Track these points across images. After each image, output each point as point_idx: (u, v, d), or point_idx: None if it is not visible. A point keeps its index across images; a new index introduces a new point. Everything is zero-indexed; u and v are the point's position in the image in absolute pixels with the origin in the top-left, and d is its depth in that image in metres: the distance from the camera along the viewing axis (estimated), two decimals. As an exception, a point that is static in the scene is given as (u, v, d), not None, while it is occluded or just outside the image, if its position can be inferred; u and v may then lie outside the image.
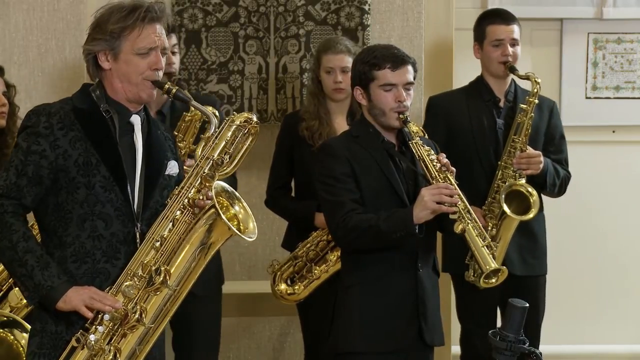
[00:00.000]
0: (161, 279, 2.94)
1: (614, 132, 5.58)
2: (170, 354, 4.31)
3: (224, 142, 3.08)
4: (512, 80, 4.52)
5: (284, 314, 4.94)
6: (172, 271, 2.97)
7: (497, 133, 4.44)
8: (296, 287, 4.30)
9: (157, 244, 2.97)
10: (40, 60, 4.76)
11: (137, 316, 2.92)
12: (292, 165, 4.41)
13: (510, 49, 4.43)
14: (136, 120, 3.07)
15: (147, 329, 2.95)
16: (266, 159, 4.52)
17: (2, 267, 3.57)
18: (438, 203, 3.46)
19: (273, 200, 4.47)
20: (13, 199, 2.94)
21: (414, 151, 3.59)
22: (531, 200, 4.35)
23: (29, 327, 3.29)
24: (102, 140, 3.00)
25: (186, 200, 2.99)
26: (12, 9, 4.73)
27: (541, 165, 4.35)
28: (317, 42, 4.75)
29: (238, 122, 3.13)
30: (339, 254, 3.97)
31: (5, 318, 3.57)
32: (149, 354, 3.00)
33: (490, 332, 2.74)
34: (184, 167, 3.26)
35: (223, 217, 2.97)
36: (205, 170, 3.02)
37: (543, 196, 4.49)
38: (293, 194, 4.48)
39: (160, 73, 3.05)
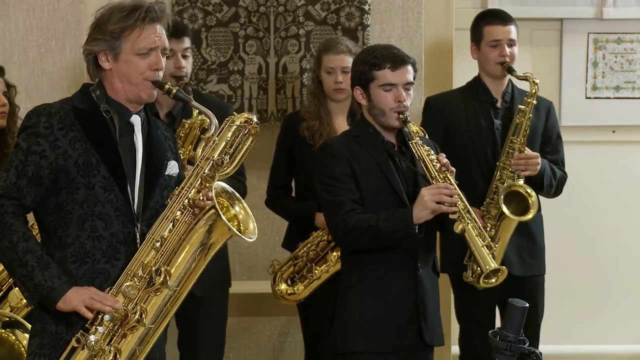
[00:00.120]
0: (161, 279, 2.94)
1: (614, 132, 5.59)
2: (176, 353, 4.33)
3: (224, 143, 3.08)
4: (509, 80, 4.51)
5: (284, 314, 4.94)
6: (172, 272, 2.96)
7: (495, 134, 4.44)
8: (296, 287, 4.30)
9: (158, 244, 2.97)
10: (40, 60, 4.76)
11: (137, 317, 2.92)
12: (293, 165, 4.41)
13: (507, 50, 4.43)
14: (136, 120, 3.07)
15: (147, 330, 2.95)
16: (266, 159, 4.52)
17: (2, 267, 3.57)
18: (438, 203, 3.46)
19: (273, 200, 4.47)
20: (13, 199, 2.94)
21: (414, 151, 3.59)
22: (530, 201, 4.35)
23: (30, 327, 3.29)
24: (102, 141, 3.00)
25: (186, 201, 2.99)
26: (12, 9, 4.73)
27: (539, 167, 4.35)
28: (317, 42, 4.75)
29: (238, 123, 3.12)
30: (340, 254, 3.97)
31: (7, 318, 3.57)
32: (149, 354, 3.00)
33: (490, 332, 2.74)
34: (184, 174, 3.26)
35: (223, 217, 2.97)
36: (206, 171, 3.02)
37: (543, 197, 4.49)
38: (293, 194, 4.49)
39: (161, 73, 3.05)
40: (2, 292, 3.70)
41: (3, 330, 3.53)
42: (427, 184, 3.55)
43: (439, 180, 3.53)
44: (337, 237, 3.66)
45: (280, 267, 4.33)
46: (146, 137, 3.08)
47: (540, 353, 2.72)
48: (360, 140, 3.65)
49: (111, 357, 2.91)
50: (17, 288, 3.59)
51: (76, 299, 2.90)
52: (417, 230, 3.47)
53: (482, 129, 4.44)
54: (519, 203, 4.36)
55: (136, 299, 2.94)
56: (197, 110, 3.83)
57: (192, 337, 4.21)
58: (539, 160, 4.35)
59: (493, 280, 3.84)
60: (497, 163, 4.37)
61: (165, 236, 2.97)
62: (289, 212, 4.45)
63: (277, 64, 4.86)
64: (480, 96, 4.50)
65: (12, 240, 2.91)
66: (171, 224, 2.98)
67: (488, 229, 4.25)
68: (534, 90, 4.36)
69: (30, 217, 3.03)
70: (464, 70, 4.79)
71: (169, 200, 3.02)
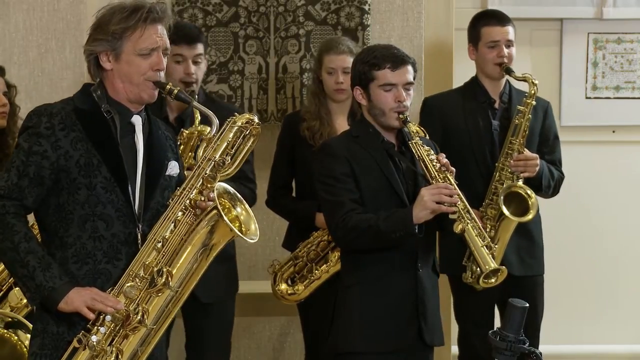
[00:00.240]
0: (163, 280, 2.93)
1: (614, 132, 5.59)
2: (183, 354, 4.33)
3: (225, 144, 3.08)
4: (507, 81, 4.51)
5: (284, 314, 4.94)
6: (174, 272, 2.96)
7: (493, 134, 4.43)
8: (297, 287, 4.30)
9: (159, 245, 2.97)
10: (40, 60, 4.76)
11: (139, 317, 2.92)
12: (293, 165, 4.41)
13: (505, 50, 4.42)
14: (137, 120, 3.07)
15: (149, 330, 2.95)
16: (267, 159, 4.52)
17: (3, 267, 3.57)
18: (438, 203, 3.46)
19: (274, 200, 4.47)
20: (14, 199, 2.94)
21: (414, 151, 3.59)
22: (529, 202, 4.35)
23: (32, 327, 3.29)
24: (103, 141, 3.00)
25: (188, 202, 2.99)
26: (12, 9, 4.73)
27: (537, 168, 4.35)
28: (317, 42, 4.75)
29: (240, 124, 3.13)
30: (340, 253, 3.98)
31: (9, 319, 3.57)
32: (151, 355, 3.00)
33: (490, 332, 2.74)
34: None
35: (225, 218, 2.97)
36: (207, 172, 3.02)
37: (540, 197, 4.49)
38: (294, 194, 4.49)
39: (162, 74, 3.05)
40: (2, 292, 3.70)
41: (5, 331, 3.53)
42: (427, 184, 3.55)
43: (439, 180, 3.54)
44: (337, 237, 3.66)
45: (280, 267, 4.33)
46: (147, 137, 3.08)
47: (540, 353, 2.72)
48: (360, 140, 3.65)
49: (113, 358, 2.91)
50: (17, 288, 3.59)
51: (78, 299, 2.90)
52: (417, 230, 3.48)
53: (480, 129, 4.44)
54: (518, 204, 4.36)
55: (138, 299, 2.94)
56: (198, 119, 3.85)
57: (199, 340, 4.22)
58: (538, 161, 4.35)
59: (493, 280, 3.84)
60: (496, 164, 4.36)
61: (166, 237, 2.98)
62: (289, 212, 4.45)
63: (277, 64, 4.86)
64: (477, 97, 4.49)
65: (14, 241, 2.91)
66: (173, 224, 2.99)
67: (488, 229, 4.25)
68: (533, 91, 4.36)
69: (30, 217, 3.03)
70: (464, 70, 4.79)
71: (170, 200, 3.02)
